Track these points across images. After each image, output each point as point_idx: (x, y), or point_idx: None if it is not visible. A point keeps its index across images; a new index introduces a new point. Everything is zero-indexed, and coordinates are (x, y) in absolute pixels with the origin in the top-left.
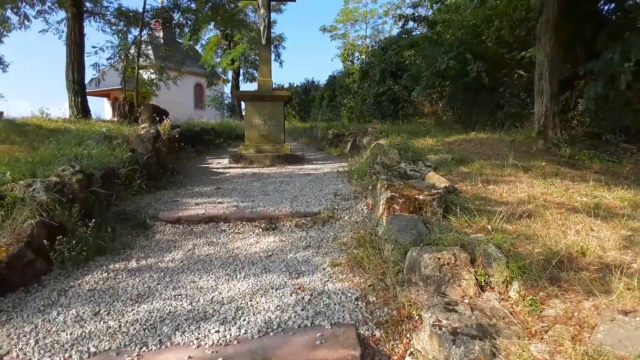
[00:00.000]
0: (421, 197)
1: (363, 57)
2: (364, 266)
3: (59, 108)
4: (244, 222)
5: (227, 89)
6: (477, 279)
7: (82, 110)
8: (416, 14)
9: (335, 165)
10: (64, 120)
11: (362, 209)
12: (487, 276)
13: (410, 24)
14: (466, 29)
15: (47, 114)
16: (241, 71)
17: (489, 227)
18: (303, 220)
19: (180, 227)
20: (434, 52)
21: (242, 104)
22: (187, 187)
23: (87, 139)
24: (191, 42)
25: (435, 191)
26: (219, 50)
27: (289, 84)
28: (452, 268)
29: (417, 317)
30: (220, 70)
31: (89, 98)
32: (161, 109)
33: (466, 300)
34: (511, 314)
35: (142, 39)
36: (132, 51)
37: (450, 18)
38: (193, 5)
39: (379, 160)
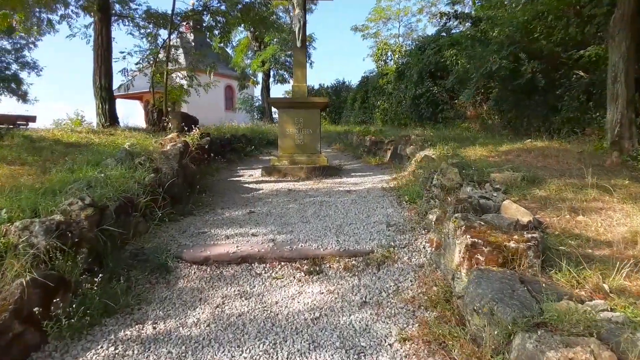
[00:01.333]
0: (512, 244)
1: (397, 56)
2: (446, 347)
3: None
4: (282, 263)
5: (258, 91)
6: None
7: (109, 117)
8: (458, 11)
9: (377, 179)
10: (87, 130)
11: (423, 246)
12: None
13: (452, 21)
14: (516, 26)
15: (82, 116)
16: (271, 73)
17: (606, 286)
18: (353, 262)
19: (208, 270)
20: (483, 52)
21: (272, 107)
22: (216, 210)
23: (106, 158)
24: (221, 44)
25: (530, 236)
26: (249, 52)
27: (320, 84)
28: None
29: None
30: (250, 72)
31: (120, 101)
32: (190, 117)
33: None
34: None
35: (172, 42)
36: (161, 56)
37: (495, 14)
38: (223, 7)
39: (436, 182)
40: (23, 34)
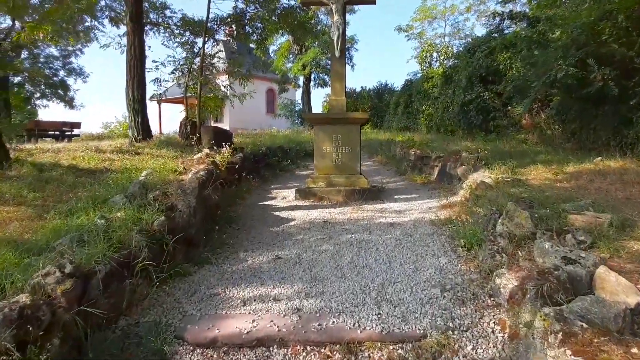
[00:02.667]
0: None
1: (442, 58)
2: None
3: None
4: (307, 348)
5: (298, 95)
6: None
7: (142, 131)
8: (512, 11)
9: (424, 205)
10: (112, 150)
11: (491, 329)
12: None
13: (505, 21)
14: (580, 27)
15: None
16: (312, 76)
17: None
18: (399, 351)
19: (215, 357)
20: (543, 58)
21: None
22: (238, 254)
23: (115, 194)
24: (263, 49)
25: None
26: (290, 56)
27: (361, 87)
28: None
29: None
30: (291, 75)
31: (165, 106)
32: (223, 132)
33: None
34: None
35: (209, 51)
36: (195, 66)
37: (555, 13)
38: (261, 13)
39: (500, 229)
40: (68, 41)
